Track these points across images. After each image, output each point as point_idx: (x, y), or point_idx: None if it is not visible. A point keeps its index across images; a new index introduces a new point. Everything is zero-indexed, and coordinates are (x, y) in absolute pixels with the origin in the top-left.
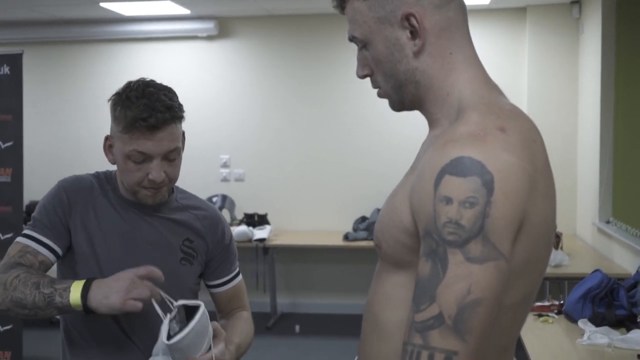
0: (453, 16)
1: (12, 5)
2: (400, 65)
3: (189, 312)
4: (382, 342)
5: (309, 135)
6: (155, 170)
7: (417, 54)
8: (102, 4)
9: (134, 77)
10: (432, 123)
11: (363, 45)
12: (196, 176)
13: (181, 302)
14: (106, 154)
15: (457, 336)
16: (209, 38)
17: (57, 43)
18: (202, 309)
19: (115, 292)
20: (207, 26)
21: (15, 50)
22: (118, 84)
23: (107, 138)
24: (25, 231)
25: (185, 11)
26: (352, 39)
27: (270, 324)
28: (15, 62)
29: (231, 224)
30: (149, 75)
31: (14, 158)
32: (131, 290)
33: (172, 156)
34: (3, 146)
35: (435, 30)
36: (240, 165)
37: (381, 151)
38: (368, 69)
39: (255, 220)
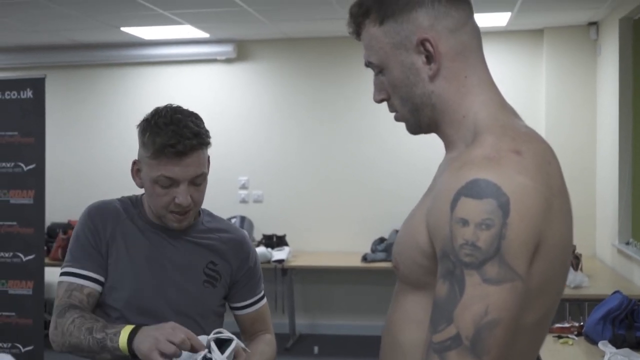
0: (467, 40)
1: (36, 30)
2: (417, 89)
3: (220, 341)
4: None
5: (326, 156)
6: (182, 195)
7: (432, 77)
8: (123, 29)
9: (153, 100)
10: (448, 145)
11: (379, 70)
12: (215, 198)
13: (214, 336)
14: (134, 178)
15: (474, 357)
16: (228, 61)
17: (79, 67)
18: (234, 344)
19: (148, 340)
20: (226, 49)
21: (38, 74)
22: (138, 106)
23: (134, 162)
24: (65, 269)
25: (204, 35)
26: (368, 64)
27: (289, 345)
28: (38, 85)
29: None
30: (168, 98)
31: (36, 180)
32: (159, 342)
33: (199, 181)
34: (26, 169)
35: (450, 54)
36: (259, 187)
37: (399, 172)
38: (385, 93)
39: (274, 241)
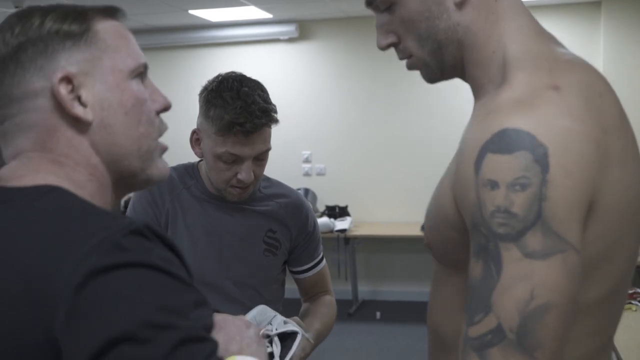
0: None
1: None
2: (440, 22)
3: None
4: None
5: (385, 130)
6: (245, 172)
7: (459, 5)
8: (190, 11)
9: None
10: (477, 91)
11: (388, 6)
12: (279, 171)
13: (277, 331)
14: (193, 147)
15: (524, 354)
16: (290, 40)
17: (148, 50)
18: (299, 338)
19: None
20: (289, 29)
21: None
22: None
23: (194, 132)
24: None
25: (267, 15)
26: (372, 0)
27: (352, 310)
28: None
29: None
30: None
31: None
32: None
33: (263, 157)
34: None
35: None
36: (321, 161)
37: (456, 140)
38: (393, 36)
39: (337, 212)
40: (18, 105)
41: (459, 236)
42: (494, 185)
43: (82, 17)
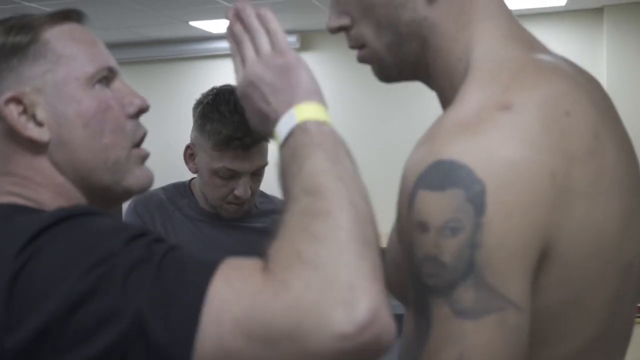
0: None
1: (105, 27)
2: (404, 11)
3: None
4: None
5: (385, 140)
6: (242, 187)
7: None
8: (191, 23)
9: None
10: (444, 104)
11: None
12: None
13: None
14: (187, 163)
15: None
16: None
17: (148, 62)
18: None
19: None
20: (290, 40)
21: None
22: None
23: (188, 147)
24: None
25: None
26: None
27: None
28: None
29: None
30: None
31: None
32: None
33: (260, 172)
34: None
35: None
36: None
37: None
38: (347, 17)
39: None
40: None
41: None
42: (424, 228)
43: (28, 27)
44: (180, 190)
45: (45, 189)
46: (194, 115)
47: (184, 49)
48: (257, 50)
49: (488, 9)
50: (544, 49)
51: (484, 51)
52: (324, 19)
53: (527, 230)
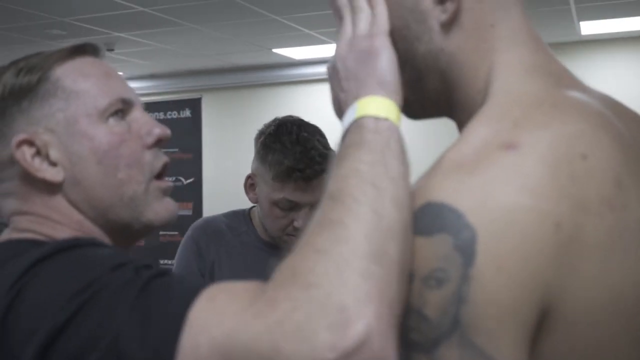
0: None
1: (194, 55)
2: (420, 44)
3: None
4: None
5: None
6: (303, 219)
7: (446, 25)
8: (274, 50)
9: (304, 117)
10: None
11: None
12: None
13: None
14: (247, 193)
15: None
16: None
17: (232, 88)
18: None
19: None
20: None
21: (195, 95)
22: None
23: (249, 177)
24: None
25: None
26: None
27: None
28: (195, 105)
29: None
30: (317, 114)
31: (194, 193)
32: None
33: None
34: (185, 182)
35: None
36: None
37: None
38: None
39: None
40: None
41: None
42: (410, 277)
43: (36, 67)
44: (240, 218)
45: (64, 226)
46: (255, 145)
47: (266, 75)
48: (354, 28)
49: (511, 38)
50: (576, 84)
51: (501, 85)
52: None
53: (522, 285)
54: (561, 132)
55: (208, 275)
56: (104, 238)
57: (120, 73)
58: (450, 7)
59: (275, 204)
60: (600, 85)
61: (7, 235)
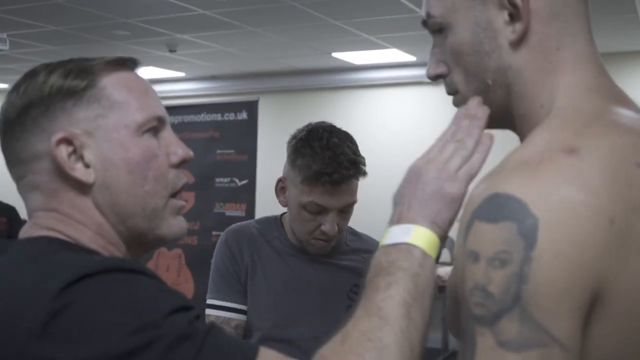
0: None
1: (253, 58)
2: (490, 60)
3: None
4: None
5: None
6: (330, 223)
7: (515, 44)
8: (334, 54)
9: (362, 121)
10: None
11: (439, 28)
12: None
13: None
14: (277, 196)
15: None
16: (433, 83)
17: (290, 91)
18: None
19: None
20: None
21: (252, 97)
22: (347, 128)
23: (280, 180)
24: (210, 301)
25: (411, 58)
26: (427, 18)
27: (439, 359)
28: (252, 108)
29: (450, 264)
30: (376, 119)
31: (248, 195)
32: None
33: (348, 209)
34: (239, 183)
35: (543, 13)
36: None
37: None
38: (443, 66)
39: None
40: (25, 168)
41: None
42: (475, 257)
43: (86, 72)
44: (272, 223)
45: (85, 227)
46: (287, 149)
47: (325, 79)
48: (450, 157)
49: (576, 62)
50: (632, 105)
51: (566, 103)
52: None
53: (578, 270)
54: (617, 143)
55: (244, 279)
56: (119, 244)
57: (182, 74)
58: (519, 28)
59: (303, 207)
60: None
61: (30, 229)
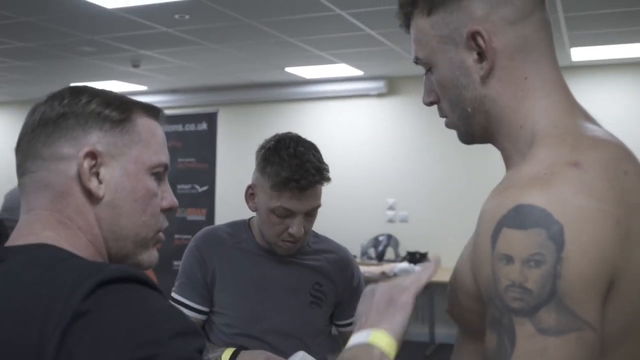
0: (531, 34)
1: (212, 73)
2: (467, 92)
3: None
4: None
5: (466, 181)
6: (296, 226)
7: (484, 79)
8: (287, 69)
9: (314, 132)
10: (506, 161)
11: (428, 68)
12: (365, 218)
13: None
14: (247, 202)
15: None
16: (379, 96)
17: (246, 103)
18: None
19: None
20: (378, 85)
21: (211, 109)
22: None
23: (249, 187)
24: (174, 294)
25: (358, 72)
26: (416, 60)
27: (428, 352)
28: (211, 119)
29: (394, 261)
30: (326, 130)
31: (207, 200)
32: None
33: (313, 213)
34: (200, 190)
35: (507, 51)
36: (405, 208)
37: None
38: (434, 95)
39: (417, 258)
40: (41, 163)
41: (478, 306)
42: (509, 259)
43: (125, 107)
44: (240, 227)
45: (83, 234)
46: (256, 158)
47: (278, 92)
48: (400, 280)
49: (545, 88)
50: (594, 120)
51: (549, 122)
52: (409, 66)
53: (600, 265)
54: (607, 154)
55: (210, 281)
56: (104, 257)
57: (145, 87)
58: (485, 65)
59: (272, 211)
60: (589, 109)
61: (30, 226)
